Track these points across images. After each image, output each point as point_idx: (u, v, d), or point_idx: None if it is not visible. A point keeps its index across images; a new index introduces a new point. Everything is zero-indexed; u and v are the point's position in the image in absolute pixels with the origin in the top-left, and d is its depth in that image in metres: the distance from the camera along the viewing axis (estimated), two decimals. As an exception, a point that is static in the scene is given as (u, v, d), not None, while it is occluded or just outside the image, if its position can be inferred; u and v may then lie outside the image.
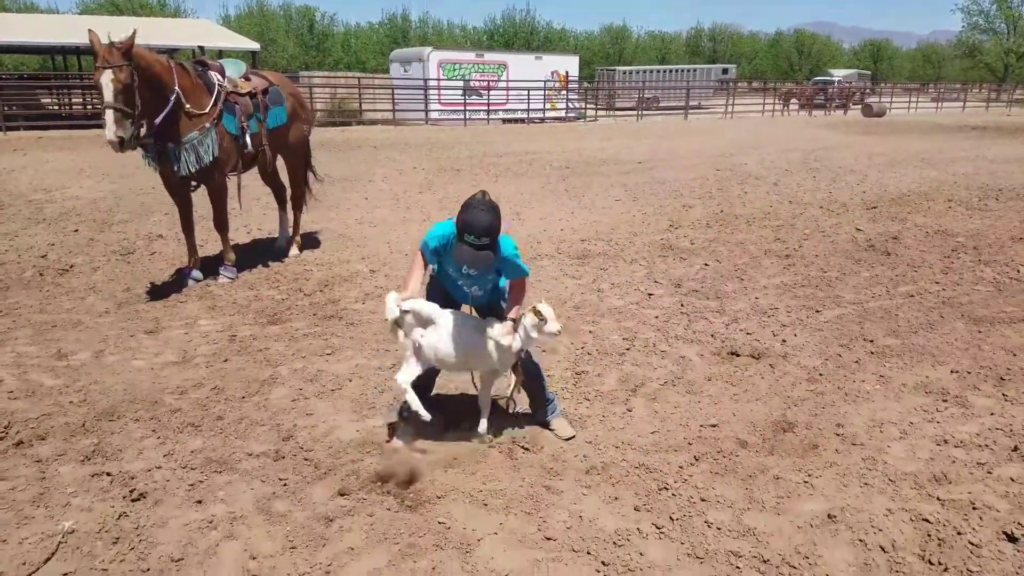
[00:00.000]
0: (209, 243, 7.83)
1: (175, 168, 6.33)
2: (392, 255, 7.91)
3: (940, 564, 2.90)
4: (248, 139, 6.89)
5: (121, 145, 5.74)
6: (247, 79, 7.06)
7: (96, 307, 6.12)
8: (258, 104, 7.04)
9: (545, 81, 31.83)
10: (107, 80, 5.59)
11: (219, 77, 6.70)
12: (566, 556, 2.99)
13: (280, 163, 7.87)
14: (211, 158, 6.43)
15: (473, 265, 3.51)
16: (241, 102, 6.83)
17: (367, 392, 4.54)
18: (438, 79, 29.76)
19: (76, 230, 8.73)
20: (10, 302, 6.18)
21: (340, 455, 3.78)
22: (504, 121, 30.21)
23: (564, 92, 33.59)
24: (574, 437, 3.97)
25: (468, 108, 28.81)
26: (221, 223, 7.00)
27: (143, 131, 6.06)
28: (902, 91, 51.75)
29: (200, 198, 7.00)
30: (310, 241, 8.43)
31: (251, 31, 47.74)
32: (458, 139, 21.58)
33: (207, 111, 6.43)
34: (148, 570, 2.90)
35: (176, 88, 6.17)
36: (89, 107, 25.82)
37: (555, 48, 58.10)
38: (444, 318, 3.69)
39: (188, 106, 6.28)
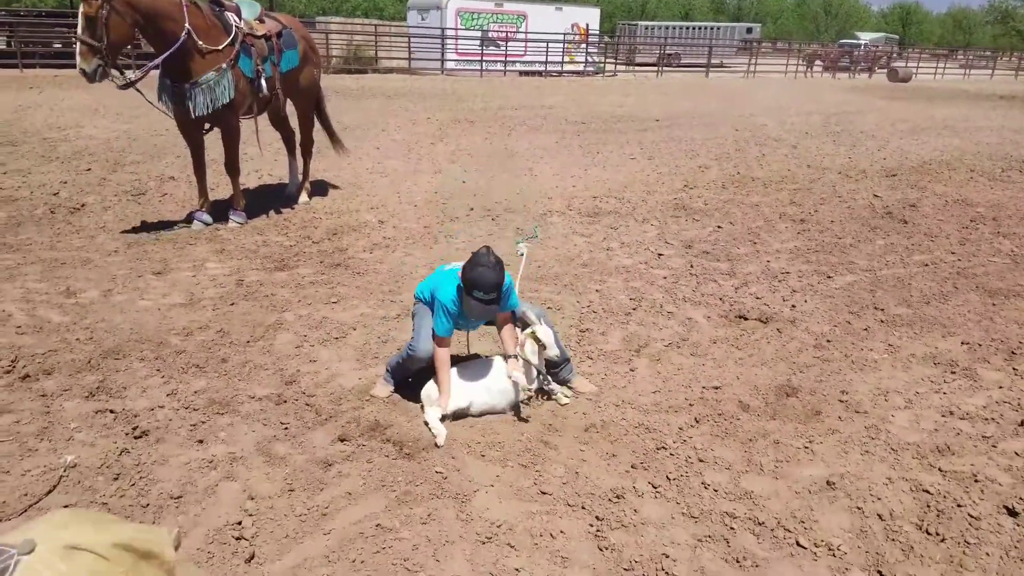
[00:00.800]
0: (220, 187, 7.80)
1: (190, 108, 6.27)
2: (401, 206, 7.86)
3: (937, 535, 2.89)
4: (263, 82, 6.81)
5: (85, 76, 5.75)
6: (261, 21, 6.93)
7: (106, 246, 6.12)
8: (272, 47, 6.93)
9: (564, 34, 31.23)
10: (80, 12, 5.63)
11: (235, 18, 6.58)
12: (561, 510, 3.00)
13: (290, 109, 7.78)
14: (227, 99, 6.37)
15: (481, 316, 3.63)
16: (257, 44, 6.73)
17: (370, 341, 4.54)
18: (455, 28, 29.24)
19: (88, 169, 8.72)
20: (21, 238, 6.20)
21: (341, 402, 3.79)
22: (521, 73, 29.75)
23: (583, 45, 32.97)
24: (597, 391, 4.00)
25: (485, 59, 28.36)
26: (232, 166, 6.95)
27: (132, 70, 6.05)
28: (929, 56, 50.51)
29: (212, 141, 6.94)
30: (320, 189, 8.38)
31: (268, -27, 46.84)
32: (473, 90, 21.30)
33: (223, 51, 6.34)
34: (148, 506, 2.94)
35: (187, 26, 6.06)
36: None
37: (576, 0, 56.85)
38: (469, 383, 3.75)
39: (201, 44, 6.19)
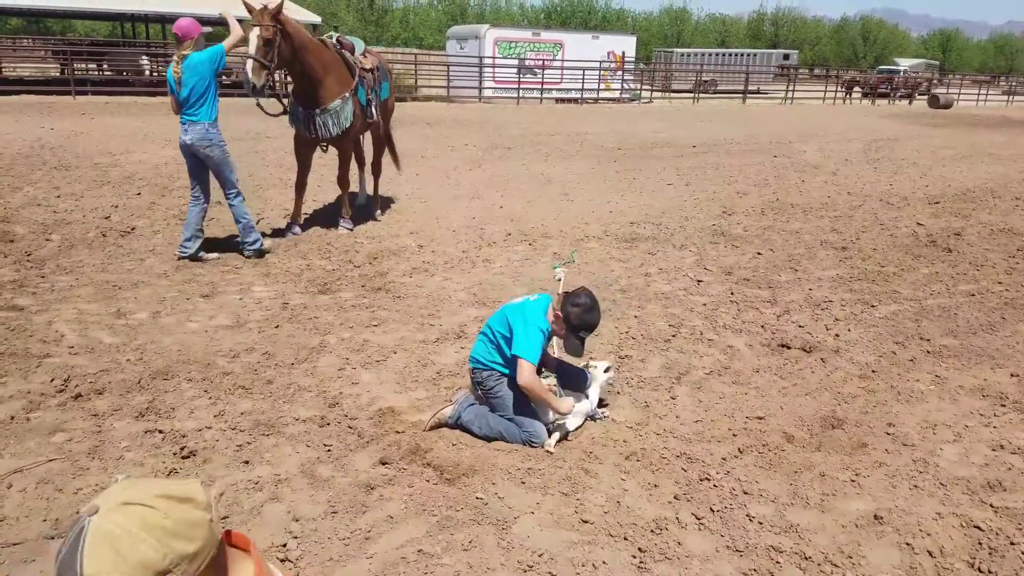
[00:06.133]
0: (276, 211, 7.95)
1: (318, 131, 7.17)
2: (440, 231, 7.95)
3: (990, 573, 2.81)
4: (373, 109, 7.73)
5: (254, 90, 6.57)
6: (365, 56, 7.82)
7: (155, 269, 6.29)
8: (376, 79, 7.84)
9: (601, 61, 31.42)
10: (254, 36, 6.44)
11: (350, 55, 7.47)
12: (602, 540, 2.98)
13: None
14: (348, 124, 7.28)
15: (574, 353, 3.81)
16: (367, 77, 7.62)
17: (410, 365, 4.59)
18: (493, 57, 29.60)
19: (139, 193, 8.97)
20: (74, 260, 6.39)
21: (383, 425, 3.83)
22: (557, 101, 29.97)
23: (619, 73, 33.12)
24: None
25: (522, 87, 28.63)
26: (344, 180, 7.78)
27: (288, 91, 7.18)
28: (971, 83, 49.70)
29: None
30: (361, 214, 8.52)
31: (312, 4, 48.05)
32: (510, 118, 21.50)
33: (345, 83, 7.21)
34: (195, 526, 2.98)
35: (320, 60, 6.93)
36: (155, 74, 26.39)
37: (613, 28, 57.24)
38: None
39: (328, 76, 7.04)
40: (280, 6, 6.48)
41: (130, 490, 1.03)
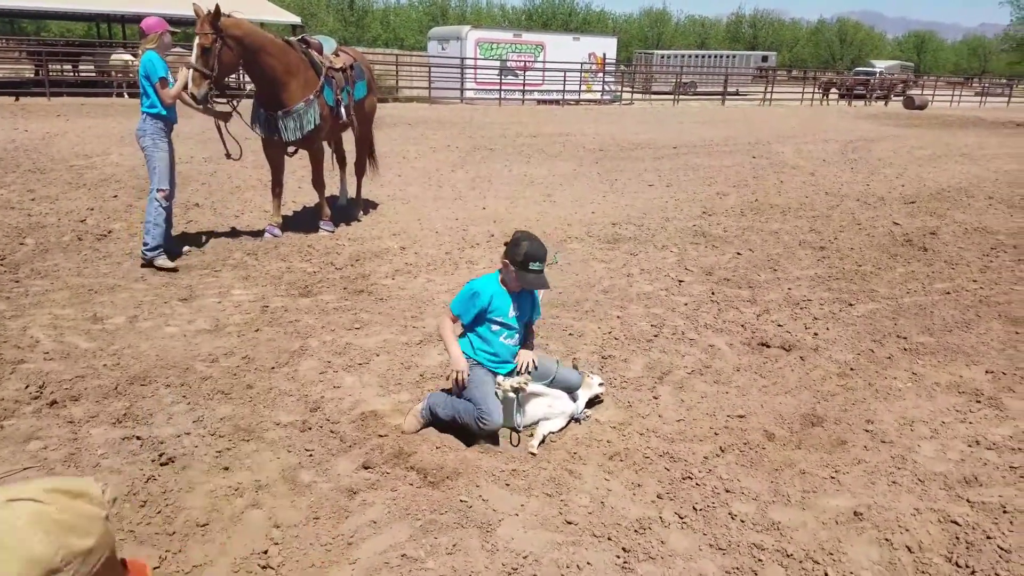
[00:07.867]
0: (255, 212, 7.90)
1: (281, 134, 7.04)
2: (423, 232, 7.93)
3: (967, 567, 2.85)
4: (342, 110, 7.54)
5: (194, 99, 6.39)
6: (337, 55, 7.65)
7: (132, 273, 6.20)
8: (347, 78, 7.65)
9: (582, 63, 31.53)
10: (196, 43, 6.33)
11: (318, 55, 7.30)
12: (587, 540, 2.98)
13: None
14: (312, 126, 7.10)
15: (535, 286, 3.82)
16: (336, 77, 7.43)
17: (394, 368, 4.56)
18: (475, 58, 29.60)
19: (115, 196, 8.86)
20: (49, 264, 6.30)
21: (365, 429, 3.81)
22: (539, 102, 30.02)
23: (600, 75, 33.26)
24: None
25: (503, 88, 28.65)
26: (319, 183, 7.71)
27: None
28: (945, 84, 50.43)
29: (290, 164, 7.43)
30: (343, 215, 8.47)
31: (293, 4, 47.72)
32: (492, 119, 21.50)
33: (310, 84, 7.05)
34: (174, 534, 2.95)
35: (282, 61, 6.80)
36: (132, 75, 26.07)
37: (593, 30, 57.46)
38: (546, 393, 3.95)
39: (292, 78, 6.89)
40: (216, 13, 6.28)
41: (16, 487, 0.97)
